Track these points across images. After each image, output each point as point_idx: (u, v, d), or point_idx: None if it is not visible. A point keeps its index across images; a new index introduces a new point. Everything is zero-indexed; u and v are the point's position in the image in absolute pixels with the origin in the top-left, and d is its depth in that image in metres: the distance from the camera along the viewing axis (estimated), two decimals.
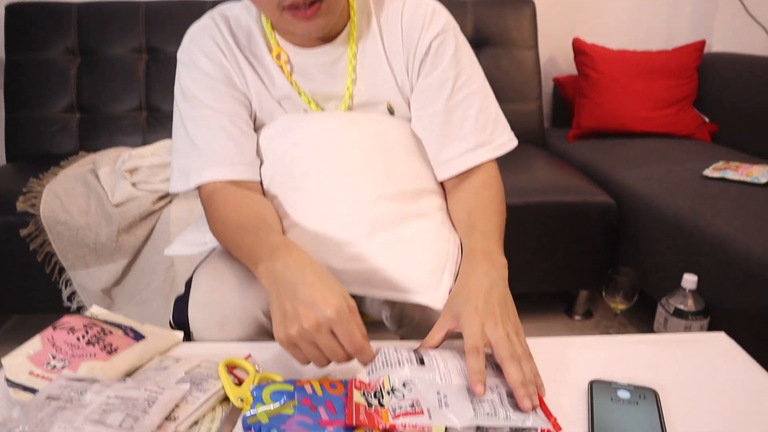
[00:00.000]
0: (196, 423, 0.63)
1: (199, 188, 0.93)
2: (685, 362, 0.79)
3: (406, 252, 0.88)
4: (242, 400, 0.65)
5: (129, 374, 0.73)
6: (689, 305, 1.54)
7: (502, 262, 0.82)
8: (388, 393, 0.63)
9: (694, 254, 1.60)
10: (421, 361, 0.68)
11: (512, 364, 0.66)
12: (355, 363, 0.69)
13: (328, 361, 0.67)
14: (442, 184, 1.01)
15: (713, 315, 1.53)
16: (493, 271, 0.78)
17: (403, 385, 0.64)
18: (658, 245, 1.77)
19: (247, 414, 0.61)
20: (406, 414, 0.61)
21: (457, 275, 0.86)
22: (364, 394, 0.64)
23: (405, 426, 0.60)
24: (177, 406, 0.64)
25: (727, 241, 1.49)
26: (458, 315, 0.72)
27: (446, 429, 0.60)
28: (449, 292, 0.82)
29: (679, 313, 1.54)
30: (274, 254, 0.73)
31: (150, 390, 0.64)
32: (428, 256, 0.88)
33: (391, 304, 0.96)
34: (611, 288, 1.77)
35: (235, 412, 0.67)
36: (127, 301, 1.79)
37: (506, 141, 0.99)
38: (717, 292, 1.52)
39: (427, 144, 0.98)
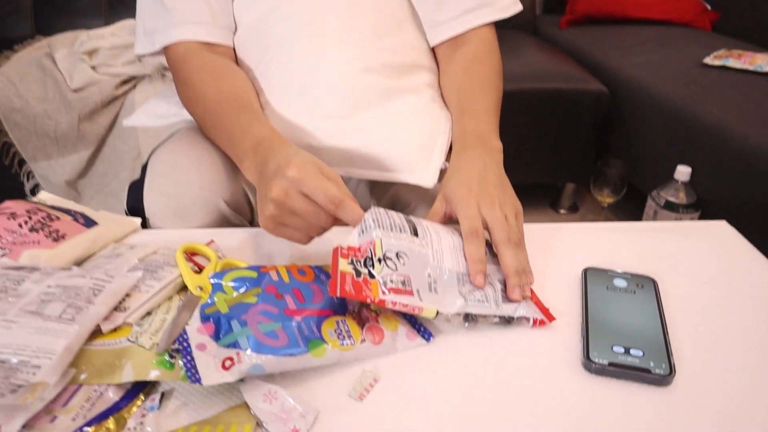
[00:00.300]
0: (149, 314, 0.57)
1: (167, 51, 0.83)
2: (685, 251, 0.74)
3: (393, 128, 0.80)
4: (201, 289, 0.59)
5: (78, 263, 0.66)
6: (681, 198, 1.49)
7: (497, 145, 0.74)
8: (379, 261, 0.56)
9: (690, 144, 1.53)
10: (415, 232, 0.60)
11: (509, 249, 0.60)
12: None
13: (323, 228, 0.60)
14: (435, 58, 0.90)
15: (704, 208, 1.49)
16: (486, 154, 0.70)
17: (397, 255, 0.57)
18: (651, 135, 1.70)
19: (205, 303, 0.54)
20: (397, 291, 0.54)
21: (449, 156, 0.78)
22: (352, 261, 0.57)
23: (395, 303, 0.54)
24: (128, 295, 0.58)
25: (725, 131, 1.42)
26: (451, 197, 0.65)
27: (437, 312, 0.55)
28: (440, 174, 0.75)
29: (669, 206, 1.49)
30: (257, 149, 0.67)
31: (97, 279, 0.57)
32: (417, 132, 0.81)
33: (382, 193, 0.88)
34: (599, 180, 1.71)
35: (195, 302, 0.60)
36: (95, 194, 1.71)
37: (510, 3, 0.89)
38: (710, 185, 1.47)
39: (421, 3, 0.87)
